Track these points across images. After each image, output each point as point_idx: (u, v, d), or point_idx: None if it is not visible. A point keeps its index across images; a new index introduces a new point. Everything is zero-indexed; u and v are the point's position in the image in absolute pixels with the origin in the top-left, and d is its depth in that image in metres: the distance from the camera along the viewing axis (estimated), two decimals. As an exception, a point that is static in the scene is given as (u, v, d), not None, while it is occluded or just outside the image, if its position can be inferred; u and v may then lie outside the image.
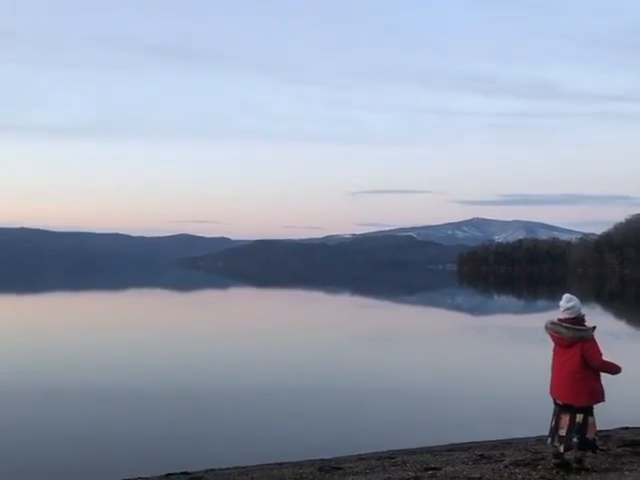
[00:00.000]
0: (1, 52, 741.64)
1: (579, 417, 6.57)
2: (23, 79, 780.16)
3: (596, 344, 6.63)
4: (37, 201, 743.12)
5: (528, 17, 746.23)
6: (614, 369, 6.68)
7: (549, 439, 6.87)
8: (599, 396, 6.64)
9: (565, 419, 6.62)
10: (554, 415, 6.78)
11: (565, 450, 6.63)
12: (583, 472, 6.54)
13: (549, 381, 6.88)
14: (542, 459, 7.17)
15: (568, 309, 6.73)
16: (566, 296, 6.86)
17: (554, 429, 6.72)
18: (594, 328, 6.69)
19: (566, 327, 6.61)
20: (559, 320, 6.74)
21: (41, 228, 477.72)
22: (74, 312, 36.46)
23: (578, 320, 6.70)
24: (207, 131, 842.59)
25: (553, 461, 6.79)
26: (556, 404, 6.76)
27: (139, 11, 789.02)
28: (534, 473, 6.68)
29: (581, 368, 6.56)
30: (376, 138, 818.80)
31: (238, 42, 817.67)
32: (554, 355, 6.81)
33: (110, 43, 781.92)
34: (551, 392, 6.82)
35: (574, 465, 6.65)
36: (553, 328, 6.71)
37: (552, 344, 6.87)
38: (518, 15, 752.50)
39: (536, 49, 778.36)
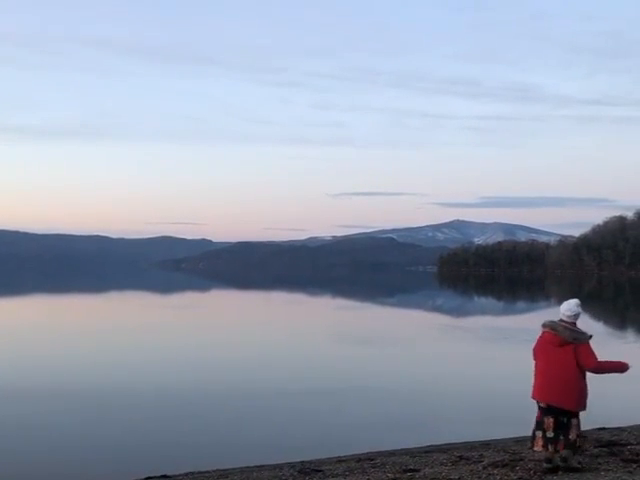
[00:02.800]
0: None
1: (564, 419, 6.56)
2: (5, 80, 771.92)
3: (590, 348, 6.62)
4: (16, 203, 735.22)
5: (512, 21, 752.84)
6: (619, 366, 6.69)
7: (535, 445, 6.76)
8: (584, 403, 6.65)
9: (549, 420, 6.58)
10: (537, 419, 6.73)
11: (556, 451, 6.59)
12: (568, 472, 6.52)
13: (532, 384, 6.81)
14: (520, 460, 7.21)
15: (575, 315, 6.72)
16: (576, 301, 6.84)
17: (542, 433, 6.65)
18: (591, 336, 6.69)
19: (563, 326, 6.62)
20: (559, 321, 6.73)
21: (20, 230, 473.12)
22: (54, 315, 36.11)
23: (575, 325, 6.74)
24: (189, 133, 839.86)
25: (545, 466, 6.69)
26: (540, 407, 6.68)
27: (124, 13, 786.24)
28: (512, 474, 6.72)
29: (572, 370, 6.54)
30: (358, 140, 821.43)
31: (222, 45, 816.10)
32: (540, 355, 6.73)
33: (95, 45, 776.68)
34: (533, 394, 6.74)
35: (560, 464, 6.60)
36: (551, 325, 6.68)
37: (535, 345, 6.82)
38: (502, 19, 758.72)
39: (519, 53, 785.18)
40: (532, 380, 6.89)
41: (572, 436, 6.58)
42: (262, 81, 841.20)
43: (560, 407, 6.53)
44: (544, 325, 6.79)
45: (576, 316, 6.73)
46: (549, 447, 6.61)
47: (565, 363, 6.55)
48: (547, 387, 6.60)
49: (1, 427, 10.65)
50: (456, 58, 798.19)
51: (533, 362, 6.91)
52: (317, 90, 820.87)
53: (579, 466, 6.74)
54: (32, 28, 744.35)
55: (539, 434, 6.67)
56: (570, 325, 6.68)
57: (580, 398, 6.60)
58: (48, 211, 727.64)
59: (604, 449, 7.80)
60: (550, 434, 6.59)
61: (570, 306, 6.73)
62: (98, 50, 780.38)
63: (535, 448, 6.74)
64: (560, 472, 6.58)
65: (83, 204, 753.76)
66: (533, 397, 6.80)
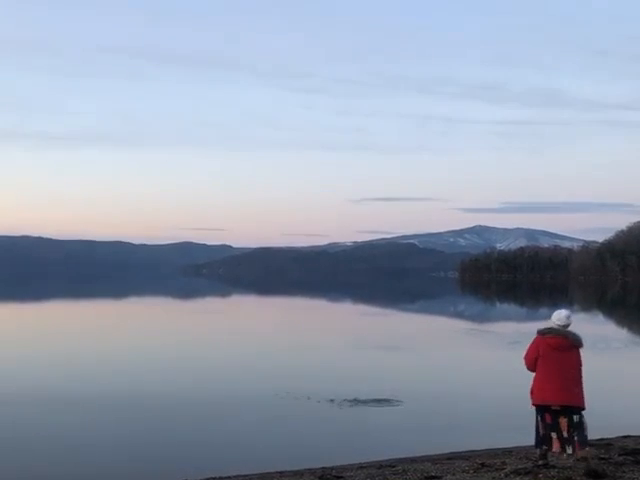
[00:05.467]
0: (16, 61, 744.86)
1: (576, 417, 6.82)
2: (34, 88, 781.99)
3: None
4: (39, 208, 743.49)
5: (537, 26, 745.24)
6: None
7: (541, 446, 7.05)
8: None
9: (564, 421, 6.80)
10: (548, 422, 6.87)
11: (573, 451, 6.79)
12: (592, 473, 6.61)
13: (534, 388, 7.05)
14: (543, 467, 7.15)
15: (567, 325, 7.09)
16: (566, 313, 7.22)
17: (557, 435, 6.82)
18: None
19: (570, 332, 7.04)
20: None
21: (43, 236, 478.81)
22: (76, 320, 36.46)
23: None
24: (212, 139, 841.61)
25: (540, 462, 7.08)
26: (550, 410, 6.86)
27: (151, 20, 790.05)
28: (535, 481, 6.67)
29: (580, 370, 6.98)
30: (381, 146, 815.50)
31: (246, 51, 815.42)
32: (547, 361, 6.94)
33: (123, 53, 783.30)
34: (544, 398, 6.89)
35: (583, 470, 6.69)
36: (560, 331, 7.00)
37: (535, 351, 7.07)
38: (526, 23, 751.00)
39: (544, 57, 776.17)
40: (531, 384, 7.12)
41: (586, 432, 6.85)
42: (286, 87, 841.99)
43: (577, 406, 6.81)
44: (545, 333, 7.08)
45: (567, 326, 7.10)
46: (567, 448, 6.74)
47: (576, 364, 6.96)
48: (564, 389, 6.82)
49: (17, 434, 10.73)
50: (481, 63, 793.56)
51: (532, 368, 7.13)
52: (341, 96, 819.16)
53: (598, 469, 6.72)
54: (62, 36, 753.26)
55: (554, 435, 6.88)
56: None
57: (583, 397, 6.97)
58: (71, 217, 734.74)
59: (629, 457, 7.72)
60: (565, 434, 6.81)
61: (561, 316, 7.14)
62: (126, 57, 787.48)
63: (553, 449, 6.95)
64: (584, 478, 6.58)
65: (105, 210, 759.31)
66: (543, 401, 6.93)
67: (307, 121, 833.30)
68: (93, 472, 8.58)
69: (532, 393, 7.09)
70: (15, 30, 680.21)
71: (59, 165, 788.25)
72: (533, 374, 7.15)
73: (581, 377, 6.97)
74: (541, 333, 7.12)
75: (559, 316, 7.11)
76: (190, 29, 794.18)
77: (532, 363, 7.10)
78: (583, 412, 6.90)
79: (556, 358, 6.89)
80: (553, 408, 6.83)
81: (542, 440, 7.02)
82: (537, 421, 7.07)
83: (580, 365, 6.99)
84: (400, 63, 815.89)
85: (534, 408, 7.11)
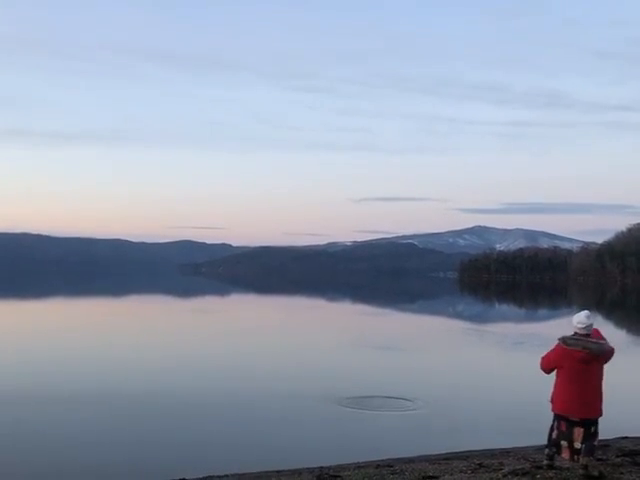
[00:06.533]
0: (18, 60, 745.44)
1: (593, 428, 6.81)
2: (35, 86, 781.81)
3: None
4: (38, 206, 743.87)
5: (541, 27, 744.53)
6: None
7: (551, 447, 7.03)
8: None
9: (579, 431, 6.77)
10: (562, 429, 6.87)
11: (578, 458, 6.77)
12: (590, 476, 6.67)
13: (555, 397, 6.94)
14: (540, 468, 7.16)
15: (588, 326, 6.87)
16: (584, 313, 6.98)
17: (568, 444, 6.84)
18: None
19: (595, 342, 6.80)
20: (579, 335, 6.86)
21: (42, 233, 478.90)
22: (75, 318, 36.44)
23: (589, 336, 6.90)
24: (214, 139, 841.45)
25: (546, 462, 7.11)
26: (567, 420, 6.82)
27: (156, 20, 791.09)
28: (532, 482, 6.68)
29: (601, 380, 6.89)
30: (384, 146, 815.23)
31: (250, 51, 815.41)
32: (571, 373, 6.79)
33: (126, 52, 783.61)
34: (565, 410, 6.83)
35: (580, 471, 6.74)
36: (581, 344, 6.78)
37: (556, 358, 6.91)
38: (531, 25, 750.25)
39: (548, 59, 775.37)
40: (552, 391, 7.01)
41: (595, 442, 6.84)
42: (289, 87, 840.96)
43: (595, 418, 6.80)
44: (568, 344, 6.83)
45: (588, 327, 6.88)
46: (575, 458, 6.75)
47: (597, 376, 6.84)
48: (586, 403, 6.76)
49: (17, 432, 10.74)
50: (484, 64, 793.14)
51: (547, 372, 7.07)
52: (344, 96, 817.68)
53: (597, 474, 6.72)
54: (64, 36, 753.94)
55: (565, 444, 6.86)
56: (585, 337, 6.84)
57: (602, 404, 6.92)
58: (70, 215, 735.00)
59: (627, 458, 7.73)
60: (578, 445, 6.77)
61: (581, 319, 6.89)
62: (128, 57, 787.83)
63: (563, 455, 6.93)
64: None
65: (104, 208, 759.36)
66: (564, 412, 6.85)
67: (310, 121, 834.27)
68: (93, 470, 8.58)
69: (552, 402, 6.99)
70: (17, 29, 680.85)
71: (58, 163, 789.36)
72: (547, 376, 7.12)
73: (601, 386, 6.87)
74: (565, 343, 6.86)
75: (579, 318, 6.88)
76: (193, 28, 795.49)
77: (549, 369, 7.02)
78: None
79: (580, 371, 6.75)
80: (571, 419, 6.79)
81: (553, 443, 7.01)
82: (552, 424, 7.02)
83: (601, 374, 6.87)
84: (404, 64, 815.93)
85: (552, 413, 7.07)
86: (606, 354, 6.86)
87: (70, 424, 11.13)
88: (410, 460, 8.55)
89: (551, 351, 7.04)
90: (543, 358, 7.10)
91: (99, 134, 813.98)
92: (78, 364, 17.82)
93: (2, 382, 14.81)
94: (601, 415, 6.86)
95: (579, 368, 6.75)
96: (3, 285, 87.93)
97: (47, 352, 20.41)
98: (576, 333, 6.87)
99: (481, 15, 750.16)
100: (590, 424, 6.78)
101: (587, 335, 6.82)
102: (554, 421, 7.02)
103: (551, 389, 7.05)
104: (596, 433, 6.84)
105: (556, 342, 6.98)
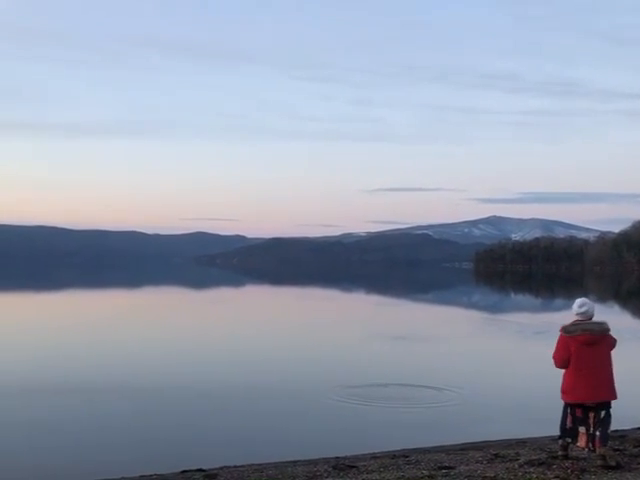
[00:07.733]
0: (31, 51, 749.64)
1: (604, 413, 6.79)
2: (50, 78, 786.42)
3: None
4: (54, 199, 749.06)
5: (556, 15, 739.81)
6: None
7: (565, 438, 7.01)
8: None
9: (592, 416, 6.79)
10: (579, 415, 6.85)
11: (593, 446, 6.75)
12: (608, 470, 6.59)
13: (566, 386, 6.91)
14: (557, 458, 7.14)
15: (583, 313, 6.96)
16: (580, 300, 7.11)
17: (585, 430, 6.82)
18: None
19: (595, 323, 6.90)
20: (581, 320, 6.93)
21: (58, 226, 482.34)
22: (89, 310, 36.73)
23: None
24: (228, 130, 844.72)
25: (560, 453, 7.11)
26: (582, 405, 6.81)
27: (166, 12, 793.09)
28: (549, 472, 6.66)
29: (610, 361, 6.90)
30: (397, 136, 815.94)
31: (262, 41, 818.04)
32: (579, 358, 6.79)
33: (140, 44, 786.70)
34: (578, 398, 6.81)
35: (598, 462, 6.71)
36: (583, 327, 6.85)
37: (564, 349, 6.90)
38: (545, 13, 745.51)
39: (563, 47, 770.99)
40: (562, 381, 7.00)
41: (609, 430, 6.82)
42: (302, 77, 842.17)
43: (608, 400, 6.79)
44: (570, 332, 6.88)
45: (587, 312, 6.96)
46: (590, 445, 6.71)
47: (605, 356, 6.86)
48: (598, 386, 6.77)
49: (39, 422, 10.85)
50: (498, 52, 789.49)
51: (564, 367, 6.97)
52: (357, 86, 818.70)
53: (614, 464, 6.69)
54: (79, 28, 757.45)
55: (583, 430, 6.85)
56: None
57: (614, 388, 6.90)
58: (85, 207, 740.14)
59: (644, 449, 7.66)
60: (592, 430, 6.79)
61: (578, 305, 7.01)
62: (142, 48, 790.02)
63: (579, 444, 6.91)
64: (599, 472, 6.55)
65: (119, 200, 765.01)
66: (577, 400, 6.83)
67: (324, 111, 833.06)
68: (112, 459, 8.64)
69: (563, 392, 6.95)
70: (29, 20, 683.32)
71: (73, 155, 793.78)
72: (559, 369, 7.06)
73: (611, 367, 6.85)
74: (567, 332, 6.89)
75: (578, 304, 7.00)
76: (207, 20, 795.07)
77: (564, 363, 6.92)
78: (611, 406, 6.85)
79: (588, 353, 6.76)
80: (587, 404, 6.79)
81: (568, 432, 6.98)
82: (565, 413, 6.99)
83: (609, 354, 6.88)
84: (417, 53, 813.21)
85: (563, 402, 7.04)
86: (609, 337, 6.90)
87: (88, 415, 11.22)
88: (426, 450, 8.55)
89: (558, 345, 7.02)
90: (554, 356, 7.06)
91: (113, 126, 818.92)
92: (91, 357, 17.94)
93: (13, 374, 14.94)
94: (615, 398, 6.84)
95: (586, 352, 6.78)
96: (19, 278, 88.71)
97: (60, 345, 20.58)
98: (576, 320, 6.97)
99: (495, 3, 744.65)
100: (601, 408, 6.77)
101: (589, 319, 6.94)
102: (565, 410, 7.01)
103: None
104: (609, 418, 6.79)
105: (559, 335, 7.05)
